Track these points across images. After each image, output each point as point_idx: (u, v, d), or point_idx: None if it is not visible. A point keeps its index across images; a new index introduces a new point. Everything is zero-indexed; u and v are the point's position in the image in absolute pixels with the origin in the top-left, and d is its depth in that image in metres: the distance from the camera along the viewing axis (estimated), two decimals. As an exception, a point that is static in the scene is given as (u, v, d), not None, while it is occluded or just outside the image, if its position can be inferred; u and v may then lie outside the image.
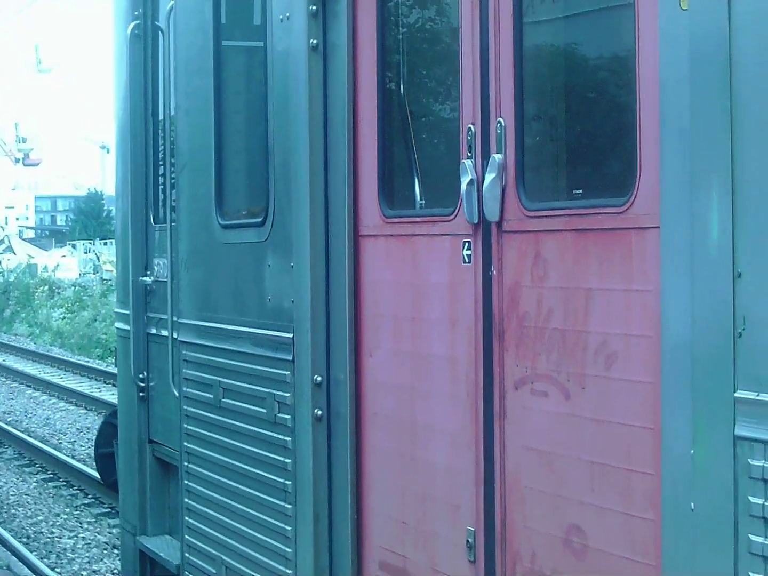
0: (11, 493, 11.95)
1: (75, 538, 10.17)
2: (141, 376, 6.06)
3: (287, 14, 4.44)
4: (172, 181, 5.56)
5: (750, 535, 2.61)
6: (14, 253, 58.17)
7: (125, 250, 6.23)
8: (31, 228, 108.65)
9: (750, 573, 2.61)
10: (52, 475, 12.65)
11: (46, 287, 35.99)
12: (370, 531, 4.23)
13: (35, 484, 12.38)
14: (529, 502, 3.45)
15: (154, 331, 5.99)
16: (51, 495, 11.89)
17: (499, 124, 3.49)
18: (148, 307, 6.04)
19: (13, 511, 11.19)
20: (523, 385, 3.45)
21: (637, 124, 3.01)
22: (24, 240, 76.45)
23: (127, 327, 6.23)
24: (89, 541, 10.09)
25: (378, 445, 4.19)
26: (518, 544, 3.49)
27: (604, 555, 3.16)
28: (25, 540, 10.02)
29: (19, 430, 14.98)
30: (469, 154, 3.60)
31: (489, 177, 3.49)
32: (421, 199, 4.06)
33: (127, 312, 6.19)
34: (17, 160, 69.60)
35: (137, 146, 6.06)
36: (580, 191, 3.40)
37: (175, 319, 5.51)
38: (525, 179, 3.44)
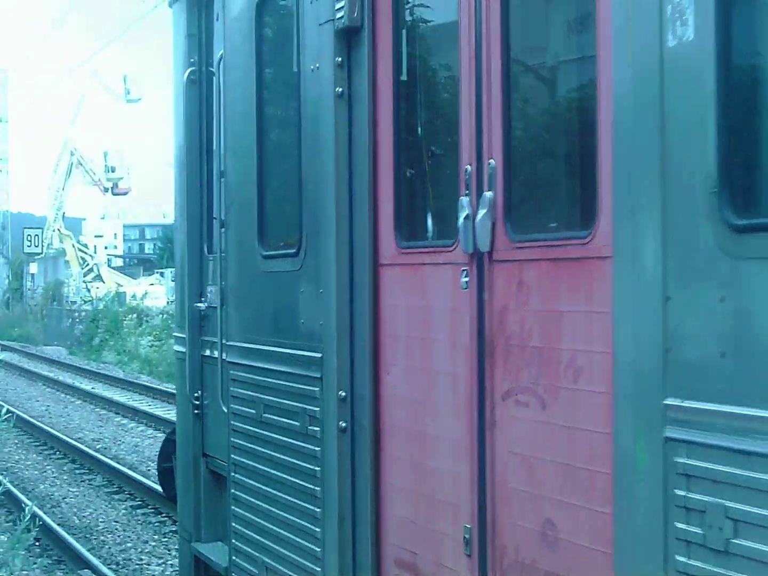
0: (100, 519, 12.48)
1: (163, 565, 10.58)
2: (196, 394, 6.66)
3: (317, 65, 5.01)
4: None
5: (676, 523, 3.08)
6: (103, 282, 59.80)
7: (182, 279, 6.85)
8: (119, 256, 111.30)
9: (677, 556, 3.08)
10: (140, 502, 13.06)
11: (135, 315, 37.06)
12: (387, 531, 4.75)
13: (124, 511, 12.85)
14: (513, 501, 3.94)
15: (207, 353, 6.59)
16: (139, 522, 12.31)
17: (490, 165, 4.01)
18: (203, 330, 6.65)
19: (102, 538, 11.70)
20: (509, 397, 3.95)
21: (598, 167, 3.51)
22: (112, 268, 78.43)
23: (183, 349, 6.85)
24: (177, 569, 10.53)
25: (394, 454, 4.71)
26: (505, 539, 3.98)
27: (571, 545, 3.63)
28: (114, 567, 10.48)
29: (108, 457, 15.59)
30: (466, 192, 4.12)
31: (481, 212, 4.02)
32: (430, 232, 4.59)
33: (184, 335, 6.81)
34: (106, 190, 71.56)
35: (192, 182, 6.69)
36: (555, 225, 3.90)
37: (223, 341, 6.11)
38: (511, 214, 3.96)
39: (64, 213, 67.20)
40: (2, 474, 12.90)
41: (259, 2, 5.60)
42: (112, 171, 71.63)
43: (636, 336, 3.23)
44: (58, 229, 64.53)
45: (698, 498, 3.00)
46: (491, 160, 4.01)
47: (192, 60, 6.67)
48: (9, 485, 11.78)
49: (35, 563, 10.25)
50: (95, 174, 69.88)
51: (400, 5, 4.67)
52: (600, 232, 3.49)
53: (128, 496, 13.52)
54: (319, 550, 5.00)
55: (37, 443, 17.70)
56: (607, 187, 3.41)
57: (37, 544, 10.97)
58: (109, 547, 11.29)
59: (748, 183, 2.94)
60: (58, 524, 11.69)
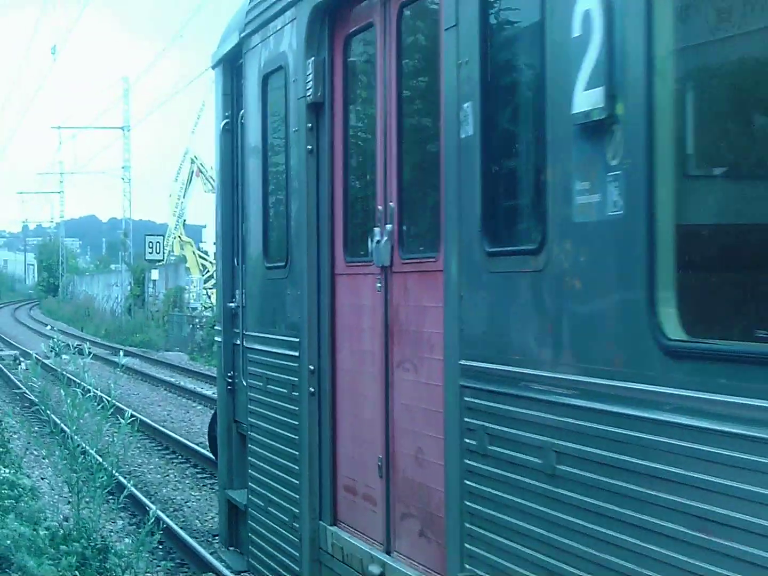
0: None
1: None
2: (229, 374, 8.68)
3: (296, 128, 6.99)
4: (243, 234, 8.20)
5: (465, 439, 4.95)
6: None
7: (219, 284, 8.88)
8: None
9: (466, 460, 4.94)
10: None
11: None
12: (339, 465, 6.71)
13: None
14: (402, 437, 5.84)
15: (237, 342, 8.60)
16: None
17: (390, 207, 5.93)
18: (234, 324, 8.66)
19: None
20: (399, 366, 5.86)
21: (441, 212, 5.38)
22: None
23: (220, 339, 8.90)
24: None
25: (343, 410, 6.66)
26: (398, 463, 5.89)
27: (430, 463, 5.51)
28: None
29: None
30: (377, 225, 6.04)
31: (384, 239, 5.93)
32: (361, 252, 6.51)
33: (220, 328, 8.86)
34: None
35: (226, 208, 8.71)
36: (422, 248, 5.79)
37: (243, 331, 8.13)
38: (401, 241, 5.86)
39: (185, 220, 69.80)
40: (126, 477, 13.41)
41: (264, 76, 7.61)
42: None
43: (450, 321, 5.11)
44: (179, 237, 66.99)
45: (474, 422, 4.87)
46: (391, 204, 5.93)
47: (227, 114, 8.70)
48: (133, 489, 12.27)
49: (159, 566, 10.47)
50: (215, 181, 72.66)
51: (347, 86, 6.61)
52: (441, 255, 5.37)
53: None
54: (297, 482, 6.97)
55: (160, 447, 18.14)
56: (443, 225, 5.29)
57: (160, 547, 11.04)
58: (232, 552, 11.66)
59: (494, 226, 4.79)
60: (181, 527, 11.72)
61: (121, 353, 11.74)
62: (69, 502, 11.59)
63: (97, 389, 10.64)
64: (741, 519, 3.33)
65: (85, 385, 9.89)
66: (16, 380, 26.34)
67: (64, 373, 10.54)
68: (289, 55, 7.09)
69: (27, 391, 21.74)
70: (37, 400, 12.76)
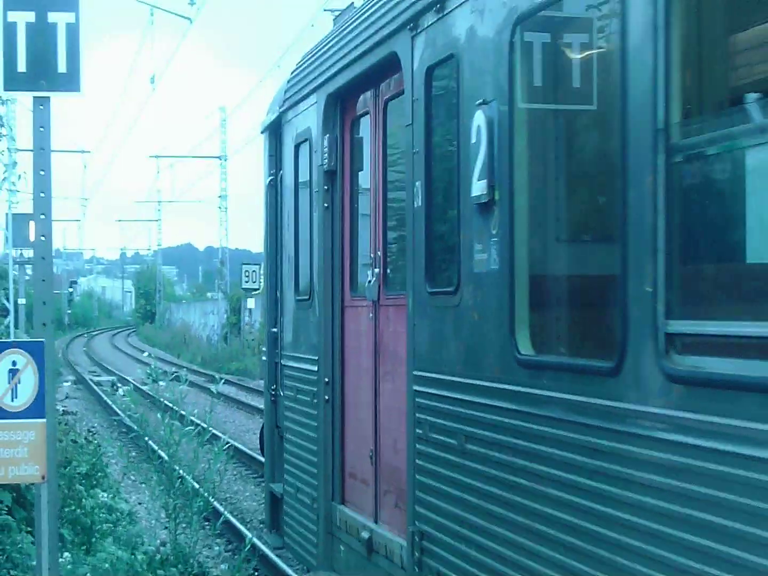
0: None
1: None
2: (272, 388, 10.57)
3: (317, 189, 8.88)
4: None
5: (416, 430, 6.75)
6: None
7: (265, 312, 10.79)
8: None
9: (416, 445, 6.74)
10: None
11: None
12: (346, 458, 8.55)
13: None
14: (385, 433, 7.67)
15: (280, 361, 10.50)
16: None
17: (378, 255, 7.78)
18: (276, 346, 10.56)
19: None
20: (384, 378, 7.70)
21: (408, 262, 7.19)
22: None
23: (265, 359, 10.83)
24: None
25: (349, 415, 8.51)
26: (381, 453, 7.72)
27: (401, 452, 7.32)
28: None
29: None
30: (370, 269, 7.90)
31: (374, 279, 7.79)
32: (360, 289, 8.35)
33: (265, 349, 10.79)
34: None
35: (271, 251, 10.64)
36: (399, 287, 7.62)
37: (281, 352, 10.04)
38: (385, 282, 7.71)
39: (280, 249, 72.15)
40: (222, 504, 13.91)
41: (296, 145, 9.53)
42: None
43: (408, 342, 6.92)
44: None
45: (421, 416, 6.67)
46: (378, 252, 7.78)
47: (272, 171, 10.63)
48: (229, 515, 12.81)
49: None
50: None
51: (353, 159, 8.49)
52: (389, 296, 7.20)
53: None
54: (315, 471, 8.83)
55: (255, 475, 18.28)
56: (410, 272, 7.11)
57: (256, 573, 11.25)
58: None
59: (432, 273, 6.60)
60: (277, 555, 11.68)
61: (218, 377, 12.90)
62: (166, 527, 11.90)
63: (193, 416, 11.30)
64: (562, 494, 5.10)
65: (182, 412, 10.33)
66: (114, 406, 27.41)
67: (162, 400, 10.93)
68: (312, 131, 9.01)
69: (124, 417, 22.43)
70: (135, 427, 13.53)
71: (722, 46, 4.61)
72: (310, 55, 9.37)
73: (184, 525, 10.35)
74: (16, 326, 30.41)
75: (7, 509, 9.73)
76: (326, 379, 8.71)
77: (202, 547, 11.75)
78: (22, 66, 6.85)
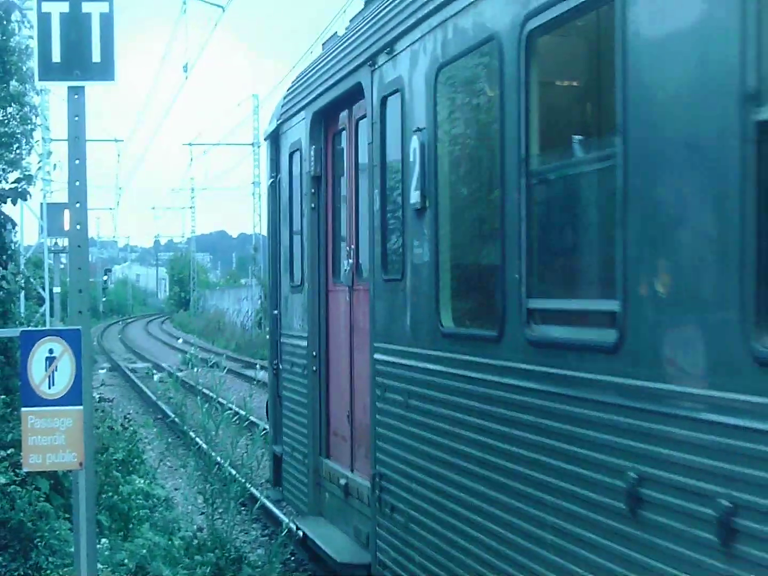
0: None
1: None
2: (274, 362, 12.20)
3: (306, 192, 10.49)
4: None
5: (376, 391, 8.36)
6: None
7: (268, 297, 12.44)
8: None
9: (376, 404, 8.35)
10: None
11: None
12: (331, 419, 10.19)
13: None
14: (358, 396, 9.29)
15: (279, 338, 12.13)
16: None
17: (351, 249, 9.39)
18: (277, 325, 12.18)
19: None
20: (356, 349, 9.31)
21: (371, 252, 8.78)
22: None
23: (269, 337, 12.48)
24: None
25: (332, 383, 10.15)
26: (355, 413, 9.34)
27: (368, 410, 8.92)
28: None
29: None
30: (346, 258, 9.51)
31: (348, 268, 9.40)
32: (340, 276, 9.96)
33: (268, 329, 12.43)
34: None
35: (272, 244, 12.26)
36: (365, 276, 9.21)
37: (280, 331, 11.68)
38: (357, 270, 9.32)
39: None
40: (258, 489, 13.66)
41: (290, 153, 11.15)
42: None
43: (371, 319, 8.53)
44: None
45: (379, 379, 8.28)
46: (352, 246, 9.39)
47: (272, 174, 12.25)
48: (265, 500, 13.10)
49: None
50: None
51: (334, 167, 10.09)
52: (359, 282, 8.80)
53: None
54: (306, 432, 10.46)
55: None
56: (371, 263, 8.70)
57: (292, 558, 11.37)
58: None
59: (386, 263, 8.18)
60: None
61: (258, 367, 13.84)
62: (202, 512, 12.04)
63: (230, 402, 11.63)
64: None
65: (221, 400, 10.63)
66: (149, 392, 28.42)
67: (199, 386, 11.30)
68: (302, 142, 10.62)
69: (160, 403, 24.10)
70: (171, 413, 14.83)
71: (561, 101, 6.16)
72: (301, 77, 10.99)
73: (220, 510, 10.42)
74: (51, 315, 31.37)
75: (44, 496, 9.90)
76: (314, 353, 10.33)
77: (239, 533, 11.83)
78: (56, 56, 6.88)
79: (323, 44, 11.34)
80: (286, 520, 10.09)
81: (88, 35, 6.86)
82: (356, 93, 8.99)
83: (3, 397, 11.26)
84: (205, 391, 11.20)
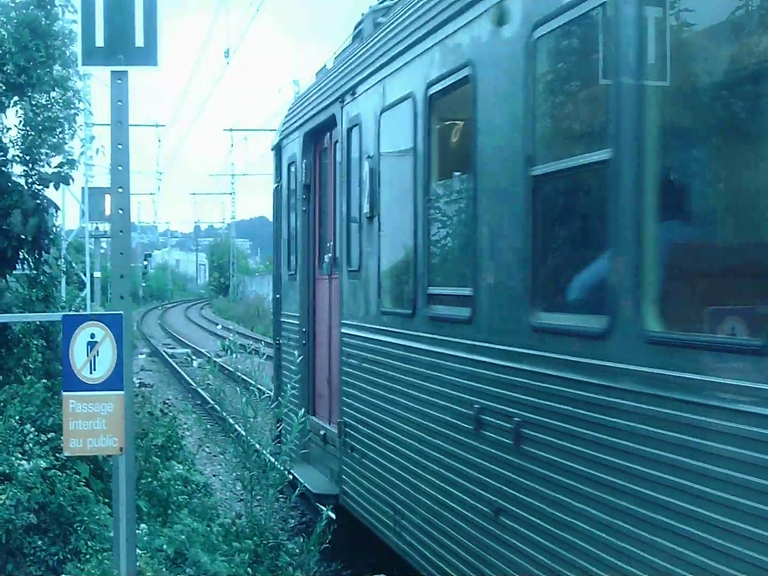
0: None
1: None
2: (277, 339, 14.67)
3: (299, 197, 12.94)
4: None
5: (342, 357, 10.81)
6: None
7: (273, 283, 14.97)
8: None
9: (342, 367, 10.80)
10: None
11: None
12: (316, 382, 12.67)
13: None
14: (334, 363, 11.74)
15: (281, 318, 14.59)
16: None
17: (331, 243, 11.84)
18: (280, 307, 14.64)
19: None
20: (334, 326, 11.77)
21: (340, 248, 11.22)
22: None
23: (273, 317, 14.97)
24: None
25: (317, 353, 12.62)
26: (334, 378, 11.80)
27: (336, 380, 11.39)
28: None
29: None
30: (326, 253, 11.96)
31: (328, 261, 11.86)
32: (323, 267, 12.40)
33: (273, 310, 14.92)
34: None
35: (276, 239, 14.72)
36: (336, 269, 11.64)
37: (281, 311, 14.18)
38: (334, 262, 11.77)
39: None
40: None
41: (288, 164, 13.62)
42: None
43: (340, 302, 10.97)
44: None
45: (344, 348, 10.73)
46: (331, 243, 11.84)
47: (276, 180, 14.71)
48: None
49: (329, 566, 10.99)
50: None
51: (321, 177, 12.54)
52: (335, 272, 11.25)
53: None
54: (298, 386, 12.94)
55: None
56: (341, 257, 11.14)
57: (330, 547, 10.85)
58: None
59: (349, 259, 10.61)
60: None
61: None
62: (241, 499, 12.07)
63: (269, 389, 12.00)
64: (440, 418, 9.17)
65: (259, 385, 10.95)
66: (188, 378, 28.79)
67: (237, 373, 11.48)
68: (297, 156, 13.08)
69: (199, 389, 23.56)
70: (211, 399, 14.46)
71: (449, 144, 8.56)
72: (296, 103, 13.47)
73: (259, 497, 10.49)
74: (91, 299, 31.69)
75: (84, 481, 9.95)
76: (303, 329, 12.81)
77: (278, 520, 11.80)
78: (100, 41, 6.88)
79: (316, 73, 13.78)
80: (325, 508, 10.21)
81: (131, 19, 6.86)
82: (332, 121, 11.42)
83: (44, 381, 11.48)
84: (243, 377, 11.68)
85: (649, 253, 5.12)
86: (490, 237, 7.04)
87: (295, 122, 13.25)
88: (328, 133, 12.05)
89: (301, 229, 12.92)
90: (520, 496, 6.49)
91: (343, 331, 10.83)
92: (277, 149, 14.56)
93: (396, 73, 9.00)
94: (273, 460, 10.79)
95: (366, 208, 9.86)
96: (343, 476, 10.75)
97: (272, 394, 14.98)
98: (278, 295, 14.68)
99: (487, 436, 7.01)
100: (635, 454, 5.11)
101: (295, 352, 13.17)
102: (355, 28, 11.68)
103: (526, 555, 6.40)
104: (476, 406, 7.17)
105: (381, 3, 10.76)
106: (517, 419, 6.51)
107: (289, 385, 13.47)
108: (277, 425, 14.54)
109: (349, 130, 10.59)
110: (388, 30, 9.32)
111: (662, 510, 4.90)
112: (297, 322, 13.05)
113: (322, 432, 11.97)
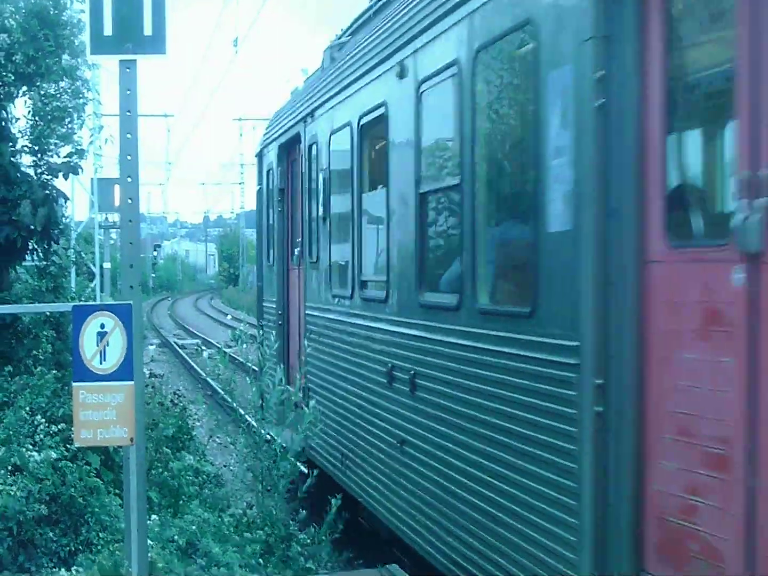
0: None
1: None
2: (261, 320, 17.04)
3: (275, 199, 15.36)
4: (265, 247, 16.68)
5: (307, 334, 13.19)
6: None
7: (257, 272, 17.34)
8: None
9: (305, 342, 13.19)
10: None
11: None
12: (290, 357, 15.10)
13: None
14: (303, 336, 14.16)
15: (263, 303, 16.94)
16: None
17: (300, 239, 14.25)
18: (262, 294, 16.99)
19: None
20: (302, 309, 14.21)
21: (303, 243, 13.62)
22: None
23: (257, 303, 17.39)
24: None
25: (290, 332, 15.05)
26: (302, 352, 14.22)
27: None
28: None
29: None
30: (297, 247, 14.38)
31: (296, 253, 14.28)
32: (294, 259, 14.81)
33: (256, 297, 17.34)
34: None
35: (258, 234, 17.11)
36: (301, 260, 14.04)
37: (262, 297, 16.59)
38: (302, 255, 14.19)
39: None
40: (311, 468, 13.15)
41: (267, 171, 16.02)
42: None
43: (302, 289, 13.36)
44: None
45: (308, 326, 13.11)
46: (299, 239, 14.24)
47: (259, 183, 17.09)
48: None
49: (341, 555, 10.86)
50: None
51: (293, 183, 14.93)
52: (302, 263, 13.65)
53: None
54: (275, 367, 15.34)
55: None
56: (304, 251, 13.52)
57: (341, 537, 10.95)
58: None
59: (310, 252, 12.99)
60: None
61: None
62: (252, 490, 12.01)
63: (281, 379, 11.91)
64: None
65: (271, 375, 11.36)
66: (198, 368, 28.95)
67: (248, 363, 11.73)
68: (273, 163, 15.47)
69: (209, 380, 23.69)
70: (221, 390, 14.11)
71: (375, 164, 10.91)
72: (274, 118, 15.86)
73: (269, 488, 10.49)
74: (101, 290, 31.62)
75: (95, 472, 9.95)
76: (279, 312, 15.21)
77: (289, 511, 11.86)
78: (108, 30, 6.90)
79: (291, 92, 16.17)
80: (335, 499, 10.21)
81: (139, 8, 6.86)
82: (299, 138, 13.81)
83: (54, 372, 11.54)
84: (254, 367, 11.89)
85: (480, 251, 7.52)
86: (396, 236, 9.43)
87: (273, 134, 15.65)
88: (298, 146, 14.44)
89: (277, 227, 15.30)
90: (417, 430, 8.88)
91: (306, 312, 13.22)
92: (260, 156, 16.97)
93: (341, 103, 11.39)
94: (283, 449, 11.09)
95: (321, 211, 12.25)
96: (308, 433, 13.16)
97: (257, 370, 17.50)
98: (260, 283, 17.09)
99: (395, 387, 9.41)
100: (476, 390, 7.50)
101: (273, 332, 15.55)
102: (324, 53, 14.04)
103: (423, 475, 8.79)
104: (389, 364, 9.56)
105: (338, 39, 13.14)
106: (412, 372, 8.90)
107: (268, 360, 15.97)
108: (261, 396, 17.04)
109: (310, 147, 12.98)
110: (336, 68, 11.71)
111: (488, 426, 7.30)
112: (274, 306, 15.44)
113: (294, 398, 14.35)
